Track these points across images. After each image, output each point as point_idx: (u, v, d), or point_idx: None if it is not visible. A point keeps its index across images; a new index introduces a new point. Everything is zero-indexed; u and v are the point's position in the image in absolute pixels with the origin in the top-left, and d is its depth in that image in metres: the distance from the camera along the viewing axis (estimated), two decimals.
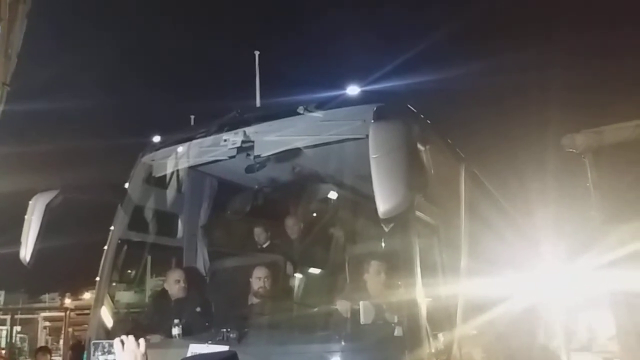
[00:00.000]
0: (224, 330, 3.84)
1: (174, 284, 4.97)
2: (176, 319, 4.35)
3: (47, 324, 19.70)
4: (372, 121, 3.56)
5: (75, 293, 19.36)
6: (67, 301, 19.17)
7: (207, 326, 4.32)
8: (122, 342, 2.35)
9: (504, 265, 5.91)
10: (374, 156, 3.12)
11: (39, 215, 4.29)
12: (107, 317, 4.78)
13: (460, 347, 4.17)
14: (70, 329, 18.05)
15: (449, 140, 5.15)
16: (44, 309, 19.78)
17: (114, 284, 5.06)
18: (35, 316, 19.74)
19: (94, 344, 2.53)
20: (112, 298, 5.04)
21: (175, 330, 4.26)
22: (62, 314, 18.54)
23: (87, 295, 18.91)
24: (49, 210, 4.33)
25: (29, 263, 4.26)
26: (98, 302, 4.79)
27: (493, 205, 6.57)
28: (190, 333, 4.26)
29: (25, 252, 4.25)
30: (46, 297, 20.11)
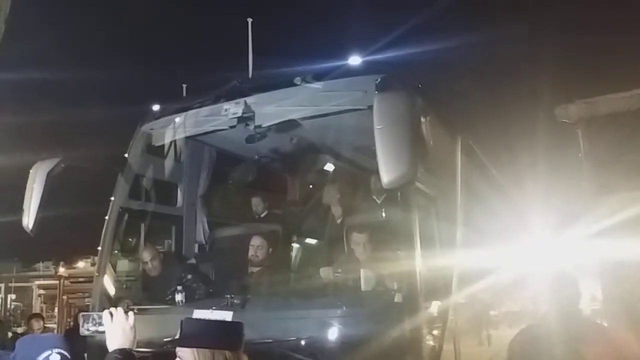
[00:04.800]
0: (228, 296, 3.91)
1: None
2: (178, 285, 4.44)
3: (42, 292, 19.78)
4: (377, 92, 3.58)
5: (69, 262, 19.39)
6: (61, 269, 19.20)
7: (211, 293, 4.40)
8: (111, 314, 2.31)
9: (497, 235, 6.04)
10: (379, 127, 3.14)
11: (41, 183, 4.25)
12: (109, 285, 4.86)
13: (456, 313, 4.31)
14: (64, 297, 18.16)
15: (446, 112, 5.20)
16: (38, 277, 19.85)
17: (115, 252, 5.13)
18: (29, 284, 19.79)
19: (82, 315, 2.55)
20: (114, 267, 5.11)
21: (179, 297, 4.34)
22: (57, 282, 18.61)
23: (82, 264, 18.94)
24: (50, 179, 4.29)
25: (32, 231, 4.26)
26: (101, 270, 4.83)
27: (487, 177, 6.67)
28: (194, 299, 4.35)
29: (28, 220, 4.24)
30: (40, 265, 20.13)
